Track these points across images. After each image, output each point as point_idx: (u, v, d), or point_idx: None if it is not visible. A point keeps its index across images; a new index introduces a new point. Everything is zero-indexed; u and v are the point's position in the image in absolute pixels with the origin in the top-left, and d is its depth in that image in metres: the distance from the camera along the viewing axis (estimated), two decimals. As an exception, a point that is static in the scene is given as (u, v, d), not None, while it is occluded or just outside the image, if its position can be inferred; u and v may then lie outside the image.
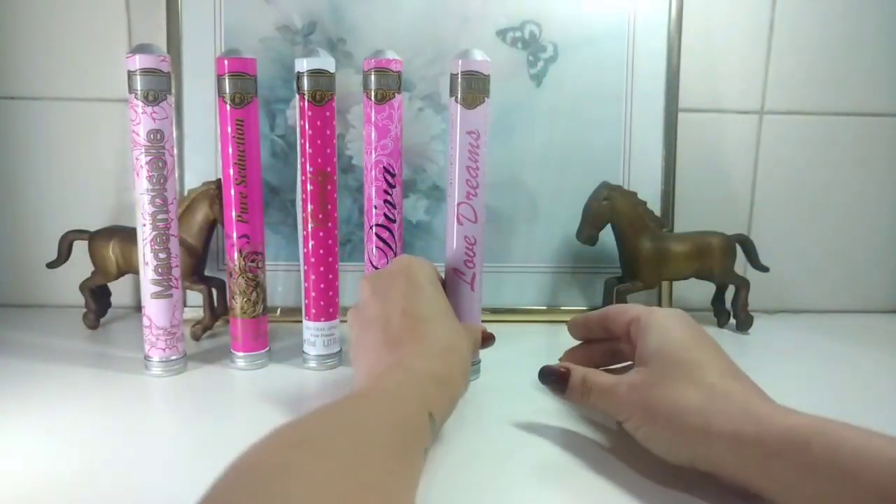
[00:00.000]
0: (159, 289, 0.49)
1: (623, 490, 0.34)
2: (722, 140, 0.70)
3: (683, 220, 0.67)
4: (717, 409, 0.32)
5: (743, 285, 0.63)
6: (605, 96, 0.65)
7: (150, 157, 0.47)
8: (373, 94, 0.50)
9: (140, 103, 0.46)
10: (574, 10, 0.64)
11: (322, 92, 0.49)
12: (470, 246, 0.49)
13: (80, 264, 0.60)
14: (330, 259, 0.51)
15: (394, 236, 0.52)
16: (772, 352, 0.60)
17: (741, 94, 0.69)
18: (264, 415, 0.44)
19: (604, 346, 0.44)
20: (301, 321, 0.53)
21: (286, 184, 0.63)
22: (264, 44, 0.63)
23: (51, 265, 0.60)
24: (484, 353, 0.50)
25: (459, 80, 0.47)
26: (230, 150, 0.49)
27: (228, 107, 0.48)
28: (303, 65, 0.48)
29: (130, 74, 0.46)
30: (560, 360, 0.45)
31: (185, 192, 0.60)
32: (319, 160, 0.49)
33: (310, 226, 0.50)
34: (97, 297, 0.61)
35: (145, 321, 0.49)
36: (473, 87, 0.47)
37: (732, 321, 0.64)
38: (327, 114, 0.49)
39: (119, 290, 0.64)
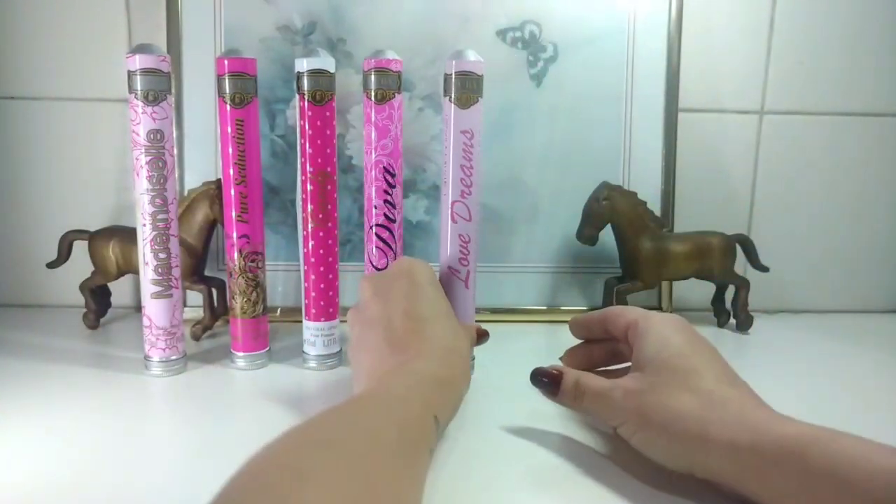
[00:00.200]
0: (159, 289, 0.49)
1: (620, 496, 0.34)
2: (722, 140, 0.70)
3: (683, 220, 0.67)
4: (714, 416, 0.32)
5: (743, 285, 0.63)
6: (605, 96, 0.65)
7: (150, 157, 0.47)
8: (373, 94, 0.50)
9: (140, 103, 0.46)
10: (574, 10, 0.64)
11: (322, 92, 0.49)
12: (464, 244, 0.49)
13: (80, 264, 0.60)
14: (330, 259, 0.51)
15: (394, 236, 0.52)
16: (772, 352, 0.60)
17: (741, 94, 0.69)
18: (264, 415, 0.44)
19: (604, 346, 0.43)
20: (301, 321, 0.53)
21: (286, 184, 0.63)
22: (264, 44, 0.63)
23: (51, 265, 0.60)
24: (484, 354, 0.50)
25: (453, 80, 0.47)
26: (230, 150, 0.49)
27: (228, 107, 0.48)
28: (303, 65, 0.48)
29: (130, 74, 0.46)
30: (560, 359, 0.45)
31: (185, 192, 0.60)
32: (319, 160, 0.49)
33: (310, 226, 0.50)
34: (97, 297, 0.61)
35: (145, 321, 0.50)
36: (467, 88, 0.47)
37: (732, 321, 0.64)
38: (327, 114, 0.49)
39: (119, 290, 0.64)
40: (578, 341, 0.45)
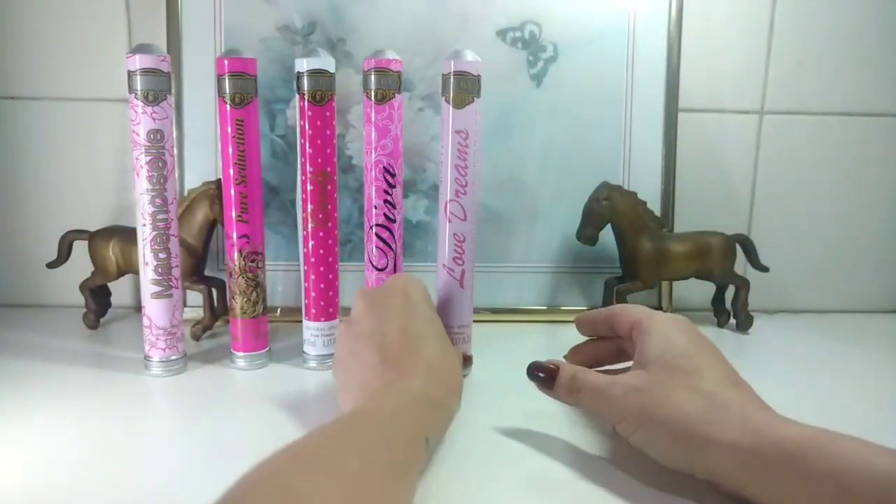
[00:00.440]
0: (159, 289, 0.49)
1: (620, 497, 0.34)
2: (722, 140, 0.70)
3: (683, 220, 0.67)
4: (716, 418, 0.32)
5: (743, 285, 0.63)
6: (605, 96, 0.65)
7: (150, 157, 0.47)
8: (373, 94, 0.50)
9: (140, 103, 0.46)
10: (574, 10, 0.64)
11: (322, 92, 0.49)
12: (459, 243, 0.49)
13: (80, 264, 0.60)
14: (330, 259, 0.51)
15: (394, 236, 0.52)
16: (772, 352, 0.60)
17: (741, 94, 0.69)
18: (264, 415, 0.44)
19: (610, 343, 0.44)
20: (301, 321, 0.53)
21: (286, 184, 0.63)
22: (264, 44, 0.63)
23: (51, 265, 0.60)
24: (484, 354, 0.50)
25: (451, 80, 0.47)
26: (230, 150, 0.49)
27: (228, 107, 0.48)
28: (303, 65, 0.48)
29: (130, 74, 0.46)
30: (565, 357, 0.45)
31: (185, 192, 0.60)
32: (319, 160, 0.49)
33: (310, 226, 0.50)
34: (97, 297, 0.61)
35: (145, 321, 0.50)
36: (462, 88, 0.47)
37: (732, 321, 0.64)
38: (327, 114, 0.49)
39: (119, 290, 0.64)
40: (581, 340, 0.46)
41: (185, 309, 0.58)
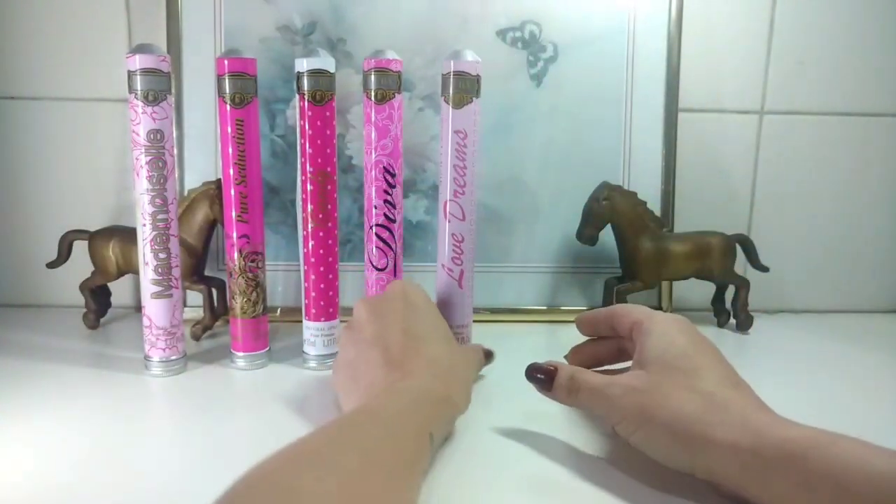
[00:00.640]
0: (159, 289, 0.49)
1: (619, 498, 0.34)
2: (722, 140, 0.70)
3: (683, 220, 0.67)
4: (716, 418, 0.32)
5: (743, 285, 0.63)
6: (605, 96, 0.65)
7: (150, 157, 0.47)
8: (373, 94, 0.50)
9: (140, 103, 0.46)
10: (574, 10, 0.64)
11: (322, 92, 0.49)
12: (458, 243, 0.49)
13: (80, 264, 0.60)
14: (330, 259, 0.51)
15: (394, 236, 0.52)
16: (772, 352, 0.60)
17: (741, 94, 0.69)
18: (264, 415, 0.44)
19: (611, 343, 0.44)
20: (301, 321, 0.53)
21: (286, 184, 0.63)
22: (264, 44, 0.63)
23: (51, 265, 0.60)
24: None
25: (450, 80, 0.47)
26: (230, 150, 0.49)
27: (228, 107, 0.48)
28: (303, 65, 0.48)
29: (130, 74, 0.46)
30: (566, 356, 0.45)
31: (185, 192, 0.60)
32: (319, 160, 0.49)
33: (310, 226, 0.50)
34: (97, 297, 0.61)
35: (145, 321, 0.50)
36: (461, 88, 0.47)
37: (732, 321, 0.64)
38: (327, 114, 0.49)
39: (119, 290, 0.64)
40: (582, 339, 0.46)
41: (185, 309, 0.58)
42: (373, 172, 0.51)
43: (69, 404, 0.45)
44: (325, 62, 0.49)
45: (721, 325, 0.65)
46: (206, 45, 0.63)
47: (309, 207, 0.50)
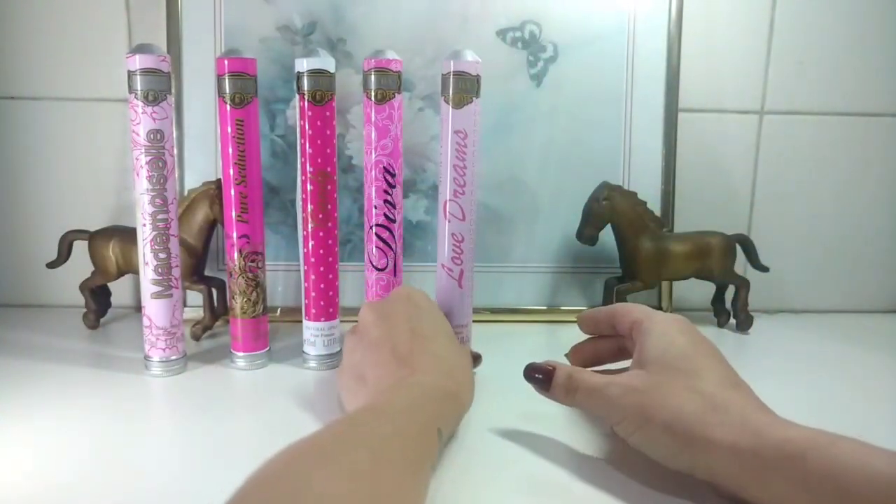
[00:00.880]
0: (159, 289, 0.49)
1: (619, 499, 0.34)
2: (722, 140, 0.70)
3: (683, 220, 0.67)
4: (716, 419, 0.32)
5: (743, 285, 0.63)
6: (605, 96, 0.65)
7: (150, 157, 0.47)
8: (373, 94, 0.50)
9: (140, 103, 0.46)
10: (574, 10, 0.64)
11: (322, 92, 0.49)
12: (457, 243, 0.49)
13: (80, 264, 0.60)
14: (330, 259, 0.51)
15: (394, 236, 0.52)
16: (772, 352, 0.60)
17: (741, 94, 0.69)
18: (264, 415, 0.44)
19: (611, 342, 0.44)
20: (301, 321, 0.53)
21: (286, 184, 0.63)
22: (264, 44, 0.63)
23: (51, 265, 0.60)
24: (483, 354, 0.50)
25: (450, 80, 0.47)
26: (230, 150, 0.49)
27: (228, 107, 0.48)
28: (303, 65, 0.48)
29: (130, 74, 0.46)
30: (566, 355, 0.45)
31: (185, 192, 0.60)
32: (319, 160, 0.49)
33: (310, 226, 0.50)
34: (97, 297, 0.61)
35: (145, 321, 0.50)
36: (461, 88, 0.47)
37: (732, 321, 0.64)
38: (327, 114, 0.49)
39: (119, 290, 0.64)
40: (583, 338, 0.46)
41: (185, 309, 0.58)
42: (373, 172, 0.51)
43: (69, 404, 0.45)
44: (325, 62, 0.49)
45: (721, 325, 0.65)
46: (206, 45, 0.63)
47: (309, 207, 0.50)
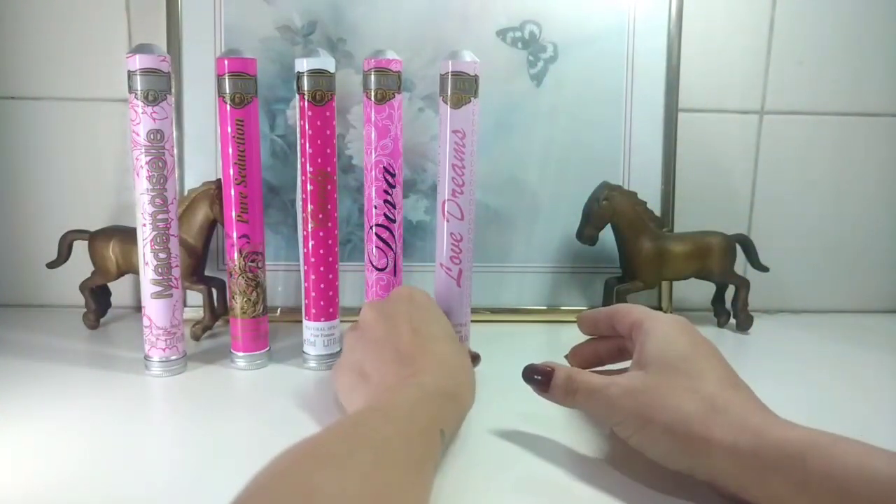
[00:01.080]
0: (159, 289, 0.49)
1: (619, 499, 0.34)
2: (722, 140, 0.70)
3: (683, 220, 0.67)
4: (716, 420, 0.32)
5: (743, 285, 0.63)
6: (605, 96, 0.65)
7: (150, 157, 0.47)
8: (373, 94, 0.50)
9: (140, 103, 0.46)
10: (574, 10, 0.64)
11: (322, 92, 0.49)
12: (456, 243, 0.49)
13: (80, 264, 0.60)
14: (330, 259, 0.51)
15: (394, 236, 0.52)
16: (772, 352, 0.60)
17: (741, 94, 0.69)
18: (264, 415, 0.44)
19: (611, 342, 0.44)
20: (301, 321, 0.53)
21: (286, 184, 0.63)
22: (264, 44, 0.63)
23: (51, 265, 0.60)
24: (483, 354, 0.50)
25: (448, 80, 0.47)
26: (230, 150, 0.49)
27: (228, 107, 0.48)
28: (303, 65, 0.48)
29: (130, 74, 0.46)
30: (566, 356, 0.45)
31: (185, 192, 0.60)
32: (319, 160, 0.49)
33: (310, 226, 0.50)
34: (97, 297, 0.61)
35: (145, 321, 0.50)
36: (459, 88, 0.47)
37: (732, 321, 0.64)
38: (327, 114, 0.49)
39: (119, 290, 0.64)
40: (583, 339, 0.46)
41: (185, 309, 0.58)
42: (373, 172, 0.51)
43: (69, 404, 0.45)
44: (325, 62, 0.49)
45: (721, 325, 0.65)
46: (206, 45, 0.63)
47: (309, 207, 0.50)
